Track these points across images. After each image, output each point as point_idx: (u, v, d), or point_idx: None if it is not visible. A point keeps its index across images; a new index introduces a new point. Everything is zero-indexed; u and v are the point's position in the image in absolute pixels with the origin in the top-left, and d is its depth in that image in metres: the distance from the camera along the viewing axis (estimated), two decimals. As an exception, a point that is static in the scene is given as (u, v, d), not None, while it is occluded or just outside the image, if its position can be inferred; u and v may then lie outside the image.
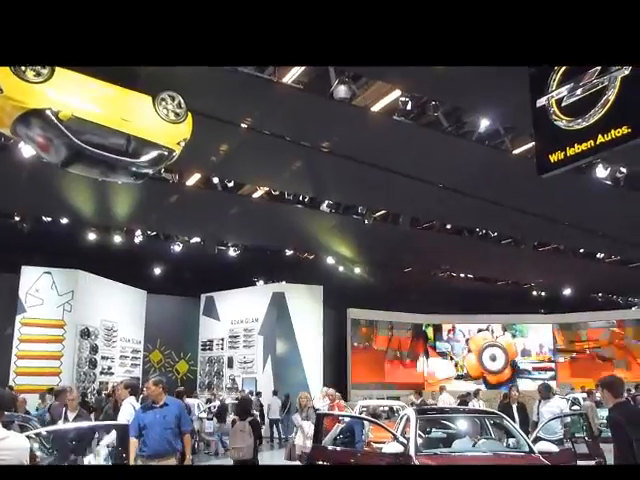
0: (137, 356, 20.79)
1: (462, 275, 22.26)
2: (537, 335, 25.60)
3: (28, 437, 4.37)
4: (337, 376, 21.53)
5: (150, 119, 6.59)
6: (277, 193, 13.29)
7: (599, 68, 5.07)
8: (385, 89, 9.06)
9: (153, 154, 6.60)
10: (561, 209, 12.75)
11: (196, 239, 17.00)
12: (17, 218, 14.61)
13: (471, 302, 23.59)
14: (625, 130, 4.81)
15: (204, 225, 15.55)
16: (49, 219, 14.83)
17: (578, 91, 5.31)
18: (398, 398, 17.67)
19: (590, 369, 23.79)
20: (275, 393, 18.02)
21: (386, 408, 13.52)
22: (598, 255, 18.31)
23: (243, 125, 9.45)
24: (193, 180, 12.47)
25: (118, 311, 19.51)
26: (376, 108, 9.31)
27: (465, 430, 7.37)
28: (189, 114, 6.91)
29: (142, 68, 6.47)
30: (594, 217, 13.47)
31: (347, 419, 8.88)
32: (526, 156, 10.32)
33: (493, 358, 25.02)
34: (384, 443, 7.05)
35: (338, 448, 7.53)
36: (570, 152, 5.26)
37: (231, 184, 12.67)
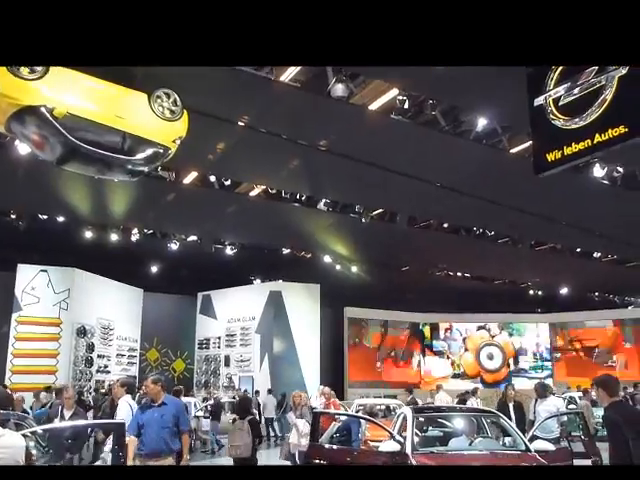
0: (134, 354, 20.76)
1: (459, 274, 22.28)
2: (534, 334, 25.65)
3: (24, 435, 4.36)
4: (334, 375, 21.53)
5: (146, 117, 6.56)
6: (274, 191, 13.28)
7: (596, 67, 5.07)
8: (383, 87, 9.05)
9: (148, 152, 6.58)
10: (558, 208, 12.77)
11: (193, 237, 16.98)
12: (13, 216, 14.57)
13: (468, 301, 23.63)
14: (622, 129, 4.81)
15: (201, 223, 15.53)
16: (45, 217, 14.80)
17: (575, 90, 5.31)
18: (395, 397, 17.67)
19: (586, 368, 23.85)
20: (270, 392, 18.01)
21: (383, 407, 13.53)
22: (595, 254, 18.36)
23: (240, 123, 9.43)
24: (190, 178, 12.45)
25: (115, 309, 19.47)
26: (373, 107, 9.30)
27: (462, 429, 7.37)
28: (185, 112, 6.88)
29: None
30: (591, 216, 13.49)
31: (344, 418, 8.88)
32: (523, 155, 10.32)
33: (490, 357, 25.07)
34: (381, 442, 7.04)
35: (335, 446, 7.53)
36: (567, 151, 5.27)
37: (228, 182, 12.65)
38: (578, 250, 18.21)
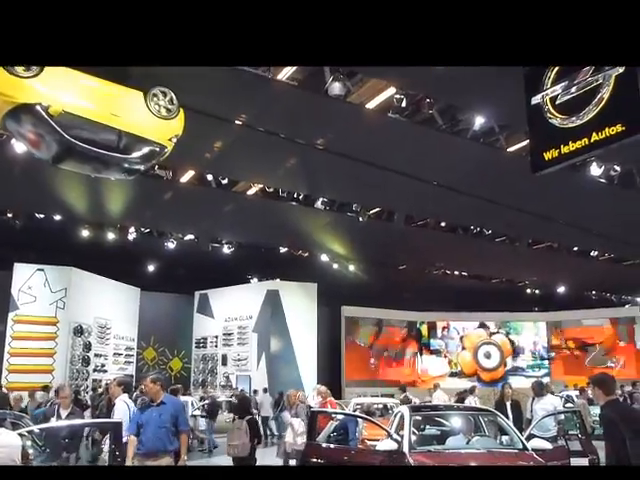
0: (131, 354, 20.73)
1: (457, 273, 22.29)
2: (531, 333, 25.69)
3: (20, 435, 4.35)
4: (331, 373, 21.54)
5: (141, 115, 6.54)
6: (271, 190, 13.26)
7: (593, 66, 5.07)
8: (380, 86, 9.04)
9: (144, 150, 6.55)
10: (555, 207, 12.78)
11: (190, 236, 16.95)
12: (10, 215, 14.53)
13: (465, 300, 23.64)
14: (619, 128, 4.82)
15: (198, 222, 15.51)
16: (42, 216, 14.74)
17: (573, 89, 5.31)
18: (392, 395, 17.68)
19: (583, 367, 23.91)
20: (265, 390, 18.00)
21: (380, 405, 13.53)
22: (592, 253, 18.37)
23: (237, 122, 9.41)
24: (187, 177, 12.42)
25: (111, 308, 19.44)
26: (371, 105, 9.29)
27: (459, 427, 7.37)
28: (181, 110, 6.86)
29: (134, 64, 6.42)
30: (588, 215, 13.51)
31: (341, 416, 8.88)
32: (521, 154, 10.32)
33: (488, 355, 25.11)
34: (378, 440, 7.04)
35: (332, 445, 7.54)
36: (564, 150, 5.27)
37: (225, 181, 12.62)
38: (575, 249, 18.22)
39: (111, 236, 15.59)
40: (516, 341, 25.51)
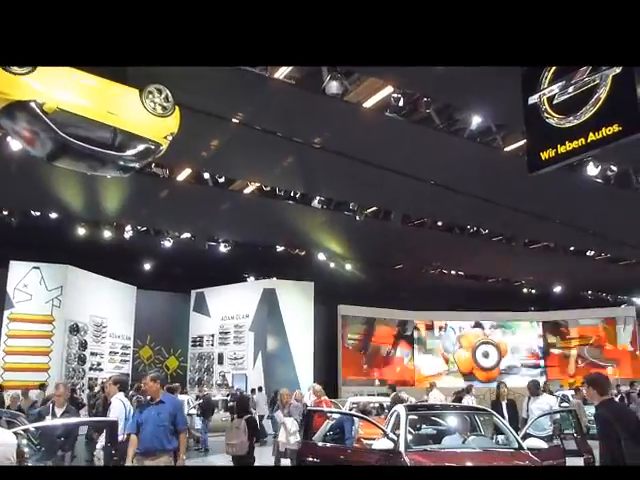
0: (127, 352, 20.70)
1: (453, 272, 22.32)
2: (527, 332, 25.74)
3: (16, 433, 4.33)
4: (328, 372, 21.55)
5: (137, 112, 6.50)
6: (268, 189, 13.24)
7: (591, 66, 5.07)
8: (377, 85, 9.04)
9: (140, 148, 6.52)
10: (552, 206, 12.80)
11: (186, 234, 16.93)
12: (5, 212, 14.48)
13: (462, 299, 23.68)
14: (616, 128, 4.82)
15: (195, 220, 15.49)
16: (38, 213, 14.71)
17: (570, 89, 5.31)
18: (389, 395, 17.67)
19: (578, 366, 23.98)
20: (260, 389, 18.00)
21: (376, 405, 13.53)
22: (588, 253, 18.41)
23: (234, 120, 9.40)
24: (184, 175, 12.40)
25: (108, 307, 19.41)
26: (368, 104, 9.29)
27: (455, 427, 7.37)
28: (177, 108, 6.82)
29: (130, 62, 6.39)
30: (584, 215, 13.54)
31: (337, 415, 8.88)
32: (517, 154, 10.33)
33: (486, 355, 25.17)
34: (374, 439, 7.04)
35: (328, 444, 7.53)
36: (561, 150, 5.28)
37: (222, 179, 12.61)
38: (572, 248, 18.27)
39: (107, 234, 15.55)
40: (512, 340, 25.55)
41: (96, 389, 15.96)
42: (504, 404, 9.76)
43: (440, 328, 25.69)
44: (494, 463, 5.76)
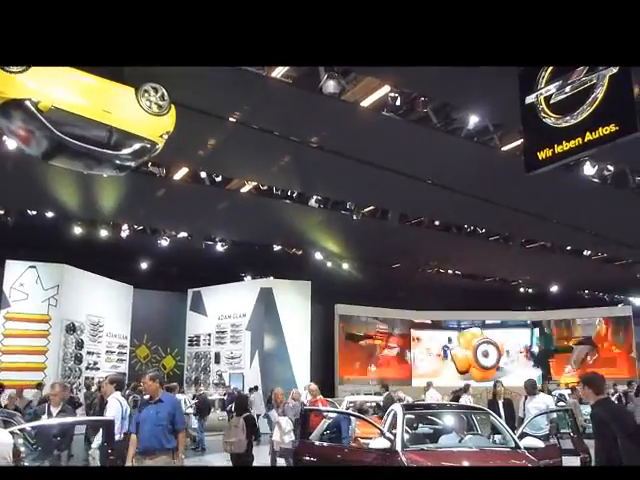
0: (123, 351, 20.65)
1: (450, 272, 22.34)
2: (523, 332, 25.76)
3: (12, 433, 4.32)
4: (325, 372, 21.54)
5: (132, 111, 6.48)
6: (265, 188, 13.24)
7: (587, 66, 5.08)
8: (374, 84, 9.03)
9: (135, 147, 6.50)
10: (549, 206, 12.82)
11: (183, 234, 16.91)
12: (1, 211, 14.45)
13: (459, 298, 23.70)
14: (613, 128, 4.83)
15: (191, 219, 15.46)
16: (34, 212, 14.67)
17: (567, 89, 5.32)
18: (382, 394, 17.67)
19: (575, 366, 24.02)
20: (256, 388, 17.98)
21: (373, 404, 13.53)
22: (585, 252, 18.46)
23: (231, 119, 9.38)
24: (180, 174, 12.37)
25: (104, 306, 19.36)
26: (365, 103, 9.28)
27: (452, 426, 7.38)
28: (172, 106, 6.81)
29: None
30: (581, 214, 13.56)
31: (333, 415, 8.88)
32: (515, 153, 10.33)
33: (486, 354, 25.19)
34: (371, 439, 7.04)
35: (325, 444, 7.53)
36: (558, 149, 5.28)
37: (219, 178, 12.59)
38: (568, 248, 18.30)
39: (104, 233, 15.52)
40: (508, 340, 25.57)
41: (93, 388, 15.95)
42: (501, 403, 9.77)
43: (437, 327, 25.70)
44: (491, 462, 5.77)
